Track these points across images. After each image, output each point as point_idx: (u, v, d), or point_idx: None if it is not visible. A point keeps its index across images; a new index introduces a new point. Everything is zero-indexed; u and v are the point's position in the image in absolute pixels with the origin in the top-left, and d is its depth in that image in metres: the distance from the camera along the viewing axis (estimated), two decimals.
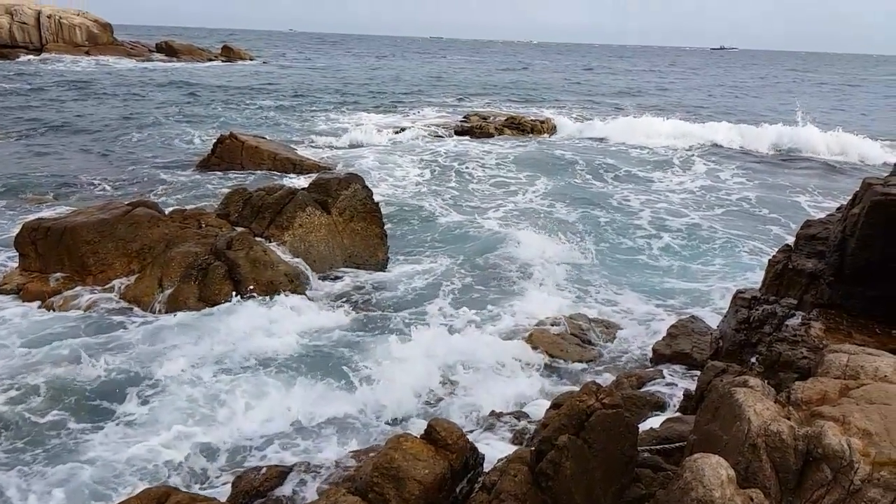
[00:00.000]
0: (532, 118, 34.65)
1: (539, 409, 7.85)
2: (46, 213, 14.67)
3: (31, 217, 13.21)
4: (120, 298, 10.85)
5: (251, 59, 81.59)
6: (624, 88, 64.12)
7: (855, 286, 6.77)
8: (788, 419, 3.88)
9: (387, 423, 8.13)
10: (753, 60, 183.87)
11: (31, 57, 61.56)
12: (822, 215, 8.92)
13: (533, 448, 5.22)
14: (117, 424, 7.75)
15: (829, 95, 66.04)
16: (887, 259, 6.50)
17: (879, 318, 6.61)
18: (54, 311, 10.48)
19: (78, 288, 11.04)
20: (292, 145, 24.99)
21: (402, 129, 31.47)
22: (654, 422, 6.83)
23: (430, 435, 5.53)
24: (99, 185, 18.95)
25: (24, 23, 65.22)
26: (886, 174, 7.53)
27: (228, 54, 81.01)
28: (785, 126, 31.84)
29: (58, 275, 11.23)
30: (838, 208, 8.26)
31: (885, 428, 3.69)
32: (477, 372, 9.24)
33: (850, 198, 7.28)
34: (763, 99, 58.89)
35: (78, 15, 70.46)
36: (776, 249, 8.52)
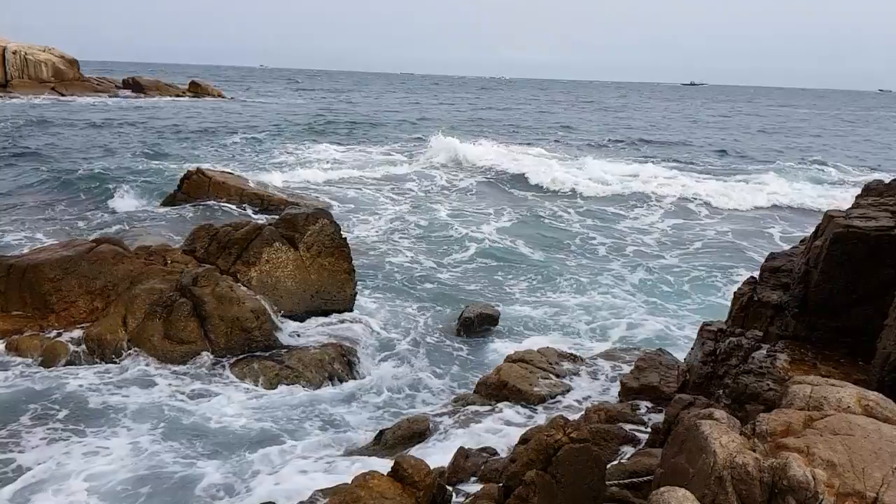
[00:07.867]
0: (502, 154, 35.03)
1: (507, 444, 7.79)
2: None
3: None
4: (82, 338, 10.59)
5: (220, 96, 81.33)
6: (600, 124, 65.02)
7: (819, 318, 6.84)
8: (754, 451, 3.87)
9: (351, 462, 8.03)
10: (722, 95, 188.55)
11: None
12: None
13: (501, 484, 5.17)
14: None
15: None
16: (850, 290, 6.59)
17: (844, 348, 6.67)
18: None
19: (38, 328, 10.78)
20: (259, 180, 24.88)
21: (371, 164, 31.57)
22: (622, 455, 6.80)
23: (396, 472, 5.45)
24: (62, 221, 18.67)
25: None
26: (848, 206, 7.65)
27: (196, 90, 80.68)
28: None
29: (19, 313, 11.00)
30: (802, 241, 8.36)
31: (848, 459, 3.70)
32: (444, 408, 9.19)
33: (812, 230, 7.39)
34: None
35: (44, 51, 69.82)
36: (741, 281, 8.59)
